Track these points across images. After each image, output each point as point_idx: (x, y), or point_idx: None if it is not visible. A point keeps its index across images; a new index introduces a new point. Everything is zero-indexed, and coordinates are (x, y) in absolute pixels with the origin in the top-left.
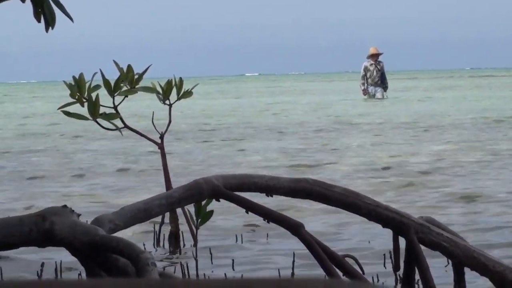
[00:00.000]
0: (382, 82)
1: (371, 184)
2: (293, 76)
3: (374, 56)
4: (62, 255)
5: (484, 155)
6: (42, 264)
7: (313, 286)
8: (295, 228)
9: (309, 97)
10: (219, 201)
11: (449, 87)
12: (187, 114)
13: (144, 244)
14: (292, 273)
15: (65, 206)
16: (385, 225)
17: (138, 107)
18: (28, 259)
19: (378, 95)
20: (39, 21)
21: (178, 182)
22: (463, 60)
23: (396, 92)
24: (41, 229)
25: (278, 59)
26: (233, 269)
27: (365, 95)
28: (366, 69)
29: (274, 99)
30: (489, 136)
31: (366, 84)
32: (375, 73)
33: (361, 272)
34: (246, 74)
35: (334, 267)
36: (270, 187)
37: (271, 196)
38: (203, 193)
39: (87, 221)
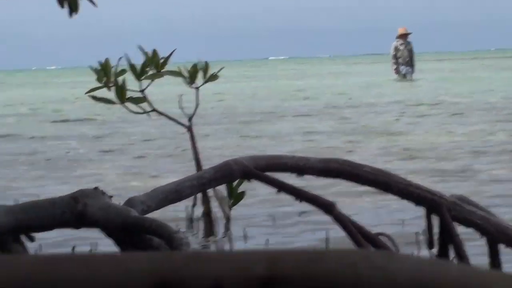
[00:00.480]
0: (411, 62)
1: (399, 165)
2: (319, 59)
3: (403, 36)
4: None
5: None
6: (73, 248)
7: (348, 257)
8: (327, 207)
9: (336, 79)
10: (249, 181)
11: (476, 68)
12: (213, 97)
13: (177, 226)
14: None
15: (96, 188)
16: (417, 203)
17: (164, 92)
18: (61, 241)
19: (409, 75)
20: (62, 6)
21: (207, 164)
22: (487, 41)
23: (426, 73)
24: (74, 211)
25: (303, 43)
26: (267, 248)
27: (397, 74)
28: (396, 49)
29: (300, 82)
30: None
31: (397, 64)
32: (405, 52)
33: (395, 251)
34: (270, 58)
35: (369, 245)
36: (300, 167)
37: (302, 176)
38: (233, 174)
39: (120, 202)
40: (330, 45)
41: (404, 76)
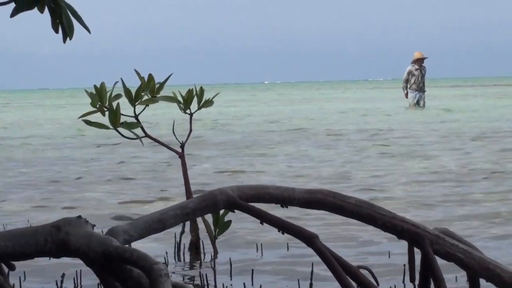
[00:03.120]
0: (424, 88)
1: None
2: (314, 83)
3: (419, 61)
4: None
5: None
6: (63, 275)
7: None
8: (309, 239)
9: (342, 105)
10: (234, 212)
11: (491, 96)
12: (209, 122)
13: (166, 253)
14: (311, 284)
15: (79, 216)
16: (400, 236)
17: (160, 116)
18: (48, 267)
19: (421, 102)
20: (56, 32)
21: (199, 191)
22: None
23: (439, 100)
24: (56, 240)
25: (297, 67)
26: (252, 280)
27: (407, 97)
28: (410, 74)
29: (300, 107)
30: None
31: (408, 88)
32: (420, 78)
33: (375, 284)
34: (265, 82)
35: (349, 278)
36: (285, 198)
37: (286, 207)
38: (217, 204)
39: (103, 230)
40: (329, 69)
41: (417, 103)
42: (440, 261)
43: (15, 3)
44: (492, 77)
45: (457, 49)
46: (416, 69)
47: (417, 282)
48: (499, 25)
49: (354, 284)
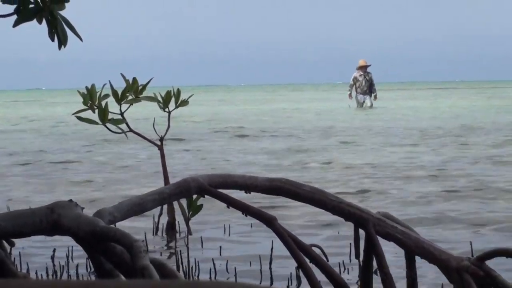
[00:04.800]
0: (370, 91)
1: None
2: (274, 86)
3: (363, 68)
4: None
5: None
6: (54, 250)
7: None
8: (269, 221)
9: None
10: (204, 197)
11: (432, 97)
12: (185, 119)
13: (145, 233)
14: (271, 260)
15: (70, 200)
16: (347, 219)
17: (143, 113)
18: (41, 245)
19: (367, 102)
20: (53, 40)
21: (176, 179)
22: (453, 73)
23: (385, 101)
24: (50, 220)
25: (259, 71)
26: (220, 255)
27: (350, 99)
28: (355, 79)
29: (266, 107)
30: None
31: (353, 92)
32: (364, 83)
33: (325, 260)
34: (229, 84)
35: (303, 255)
36: (248, 185)
37: (249, 193)
38: (190, 190)
39: (93, 212)
40: (298, 73)
41: (362, 104)
42: (381, 241)
43: (16, 15)
44: (441, 82)
45: (405, 56)
46: (360, 75)
47: (361, 258)
48: (447, 34)
49: (307, 259)
